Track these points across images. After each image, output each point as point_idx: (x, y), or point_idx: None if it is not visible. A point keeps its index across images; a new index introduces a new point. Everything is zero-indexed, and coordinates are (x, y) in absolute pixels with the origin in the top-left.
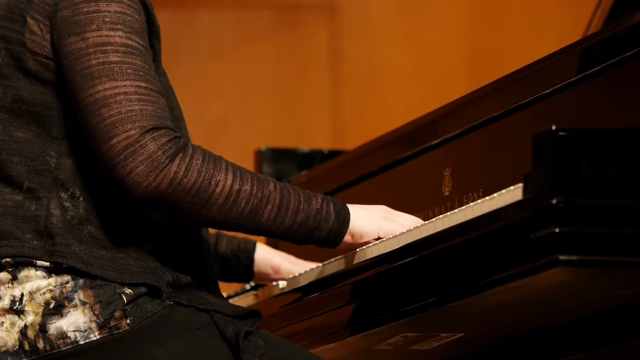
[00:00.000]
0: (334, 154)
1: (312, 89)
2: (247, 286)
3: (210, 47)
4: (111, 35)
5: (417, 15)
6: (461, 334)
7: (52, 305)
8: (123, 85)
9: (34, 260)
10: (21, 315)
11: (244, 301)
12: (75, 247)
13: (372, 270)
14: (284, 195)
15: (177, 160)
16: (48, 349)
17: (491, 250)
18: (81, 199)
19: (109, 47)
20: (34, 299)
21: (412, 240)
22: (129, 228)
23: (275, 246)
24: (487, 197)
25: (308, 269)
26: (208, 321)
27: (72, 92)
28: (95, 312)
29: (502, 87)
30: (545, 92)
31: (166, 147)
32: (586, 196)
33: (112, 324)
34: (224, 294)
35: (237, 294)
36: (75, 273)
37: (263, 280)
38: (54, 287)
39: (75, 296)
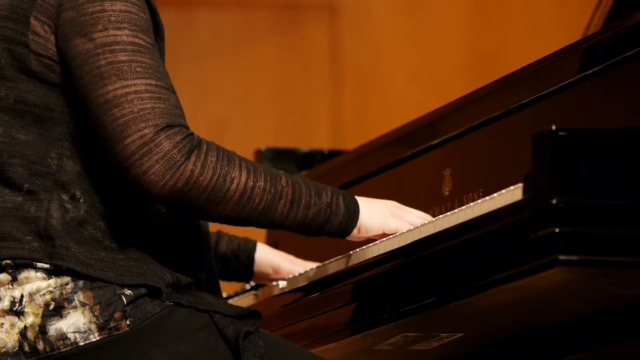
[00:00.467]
0: (334, 154)
1: (313, 89)
2: (247, 286)
3: (211, 47)
4: (118, 35)
5: (417, 15)
6: (461, 334)
7: (51, 307)
8: (134, 84)
9: (34, 262)
10: (21, 317)
11: (244, 301)
12: (75, 249)
13: (372, 270)
14: (295, 190)
15: (192, 158)
16: (48, 350)
17: (491, 250)
18: (82, 200)
19: (117, 47)
20: (34, 300)
21: (412, 240)
22: (129, 229)
23: (275, 246)
24: (487, 197)
25: (308, 269)
26: (208, 322)
27: (82, 93)
28: (95, 313)
29: (502, 87)
30: (545, 92)
31: (181, 145)
32: (586, 196)
33: (112, 325)
34: (224, 294)
35: (237, 294)
36: (75, 274)
37: (263, 280)
38: (54, 288)
39: (75, 297)
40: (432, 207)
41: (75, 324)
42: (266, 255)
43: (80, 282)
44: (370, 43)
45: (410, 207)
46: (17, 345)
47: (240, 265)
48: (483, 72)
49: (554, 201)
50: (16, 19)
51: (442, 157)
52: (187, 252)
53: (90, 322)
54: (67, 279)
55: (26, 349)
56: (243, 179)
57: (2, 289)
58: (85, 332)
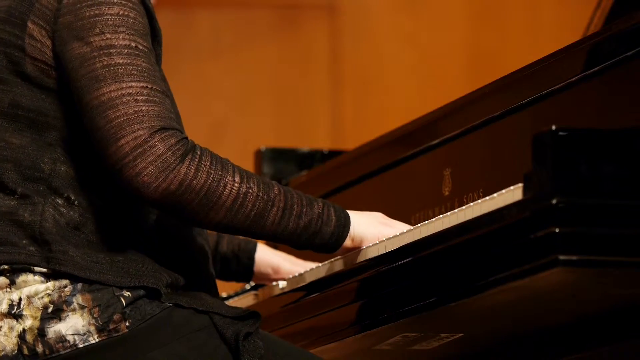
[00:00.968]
0: (334, 154)
1: (312, 89)
2: (247, 286)
3: (211, 47)
4: (114, 38)
5: (417, 15)
6: (461, 334)
7: (50, 309)
8: (129, 87)
9: (32, 267)
10: (19, 320)
11: (244, 301)
12: (72, 253)
13: (372, 270)
14: (287, 199)
15: (186, 161)
16: (47, 352)
17: (491, 250)
18: (76, 203)
19: (113, 50)
20: (32, 303)
21: (412, 240)
22: (126, 231)
23: (274, 247)
24: (487, 197)
25: (308, 269)
26: (207, 323)
27: (77, 96)
28: (94, 316)
29: (502, 87)
30: (545, 92)
31: (175, 148)
32: (586, 196)
33: (111, 326)
34: (224, 294)
35: (237, 294)
36: (73, 277)
37: (263, 280)
38: (52, 291)
39: (74, 300)
40: (432, 207)
41: (74, 326)
42: (266, 256)
43: (79, 285)
44: (370, 43)
45: (411, 207)
46: (16, 348)
47: (241, 265)
48: (483, 72)
49: (554, 201)
50: (13, 22)
51: (442, 157)
52: (185, 253)
53: (89, 324)
54: (65, 281)
55: (25, 352)
56: (236, 185)
57: (0, 292)
58: (84, 334)
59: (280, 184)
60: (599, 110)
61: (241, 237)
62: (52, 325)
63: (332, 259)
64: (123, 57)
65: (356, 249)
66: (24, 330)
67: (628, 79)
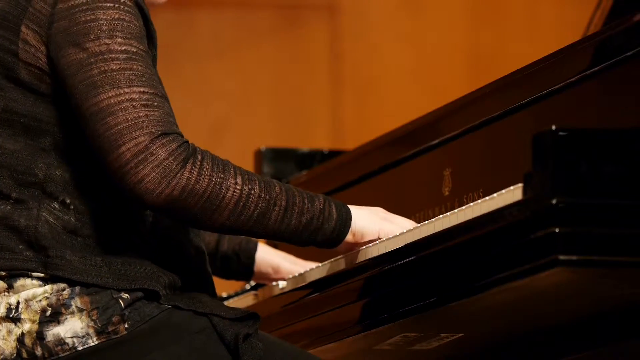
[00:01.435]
0: (334, 154)
1: (313, 89)
2: (247, 286)
3: (211, 47)
4: (110, 43)
5: (417, 16)
6: (461, 334)
7: (48, 313)
8: (127, 92)
9: (29, 272)
10: (17, 323)
11: (244, 301)
12: (69, 257)
13: (372, 270)
14: (289, 197)
15: (188, 166)
16: (46, 355)
17: (491, 250)
18: (72, 207)
19: (110, 55)
20: (30, 306)
21: (412, 240)
22: (123, 233)
23: (274, 246)
24: (487, 197)
25: (308, 269)
26: (207, 324)
27: (75, 103)
28: (93, 318)
29: (502, 87)
30: (545, 92)
31: (177, 153)
32: (586, 196)
33: (110, 329)
34: (224, 294)
35: (237, 294)
36: (71, 280)
37: (263, 280)
38: (50, 294)
39: (72, 303)
40: (432, 207)
41: (72, 329)
42: (267, 255)
43: (77, 288)
44: (370, 43)
45: (411, 207)
46: (15, 352)
47: (241, 264)
48: (483, 72)
49: (554, 201)
50: (7, 27)
51: (442, 157)
52: (182, 255)
53: (88, 326)
54: (63, 285)
55: (24, 355)
56: (238, 186)
57: None
58: (83, 336)
59: (281, 182)
60: (599, 110)
61: (242, 236)
62: (51, 328)
63: (332, 259)
64: (120, 62)
65: (357, 244)
66: (22, 333)
67: (628, 79)
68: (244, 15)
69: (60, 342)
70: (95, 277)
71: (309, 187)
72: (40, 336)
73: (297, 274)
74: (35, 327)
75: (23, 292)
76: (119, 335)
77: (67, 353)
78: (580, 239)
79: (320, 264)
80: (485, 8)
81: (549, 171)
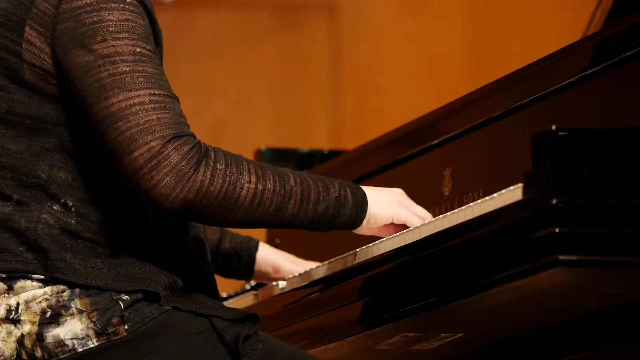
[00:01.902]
0: (334, 154)
1: (312, 89)
2: (247, 286)
3: (211, 47)
4: (118, 45)
5: (417, 16)
6: (461, 334)
7: (48, 314)
8: (137, 95)
9: (29, 274)
10: (17, 325)
11: (244, 301)
12: (69, 259)
13: (372, 270)
14: (304, 188)
15: (201, 169)
16: (46, 357)
17: (491, 250)
18: (74, 209)
19: (118, 57)
20: (30, 308)
21: (412, 241)
22: (124, 235)
23: (275, 245)
24: (487, 197)
25: (308, 269)
26: (207, 326)
27: (85, 106)
28: (93, 319)
29: (502, 87)
30: (545, 92)
31: (189, 156)
32: (586, 196)
33: (110, 330)
34: (224, 294)
35: (237, 294)
36: (71, 282)
37: (263, 279)
38: (50, 296)
39: (72, 304)
40: (432, 207)
41: (72, 330)
42: (267, 255)
43: (77, 290)
44: (370, 43)
45: None
46: (15, 353)
47: (242, 263)
48: (483, 72)
49: (554, 201)
50: (10, 27)
51: (442, 157)
52: (183, 256)
53: (87, 328)
54: (63, 286)
55: (24, 356)
56: (253, 184)
57: None
58: (83, 338)
59: (295, 171)
60: (599, 110)
61: (243, 235)
62: (51, 330)
63: (332, 259)
64: (128, 64)
65: (372, 229)
66: (22, 335)
67: (628, 79)
68: (244, 15)
69: (60, 343)
70: (95, 279)
71: None
72: (40, 338)
73: (297, 274)
74: (35, 328)
75: (23, 294)
76: (118, 337)
77: (67, 354)
78: (580, 239)
79: (320, 264)
80: (485, 8)
81: (549, 171)
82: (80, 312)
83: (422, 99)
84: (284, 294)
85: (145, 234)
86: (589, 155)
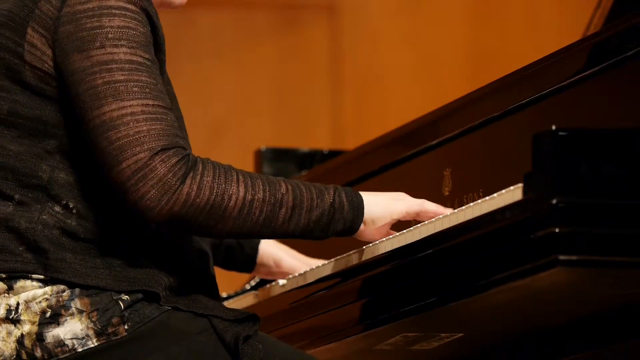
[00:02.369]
0: (334, 154)
1: (312, 89)
2: (247, 286)
3: (211, 47)
4: (115, 52)
5: (417, 16)
6: (461, 334)
7: (48, 314)
8: (129, 106)
9: (29, 274)
10: (17, 325)
11: (244, 301)
12: (69, 260)
13: (372, 270)
14: (296, 196)
15: (188, 181)
16: (46, 357)
17: (491, 250)
18: (74, 210)
19: (114, 65)
20: (30, 308)
21: (412, 241)
22: (124, 236)
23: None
24: (487, 197)
25: (309, 265)
26: (207, 326)
27: (79, 111)
28: (93, 319)
29: (502, 87)
30: (545, 92)
31: (176, 169)
32: (586, 196)
33: (109, 330)
34: (224, 294)
35: (237, 294)
36: (71, 282)
37: (262, 273)
38: (50, 295)
39: (72, 304)
40: None
41: (72, 330)
42: (270, 248)
43: (77, 289)
44: (370, 43)
45: None
46: (15, 353)
47: (244, 255)
48: (483, 72)
49: (554, 201)
50: (13, 28)
51: (442, 157)
52: (184, 256)
53: (87, 328)
54: (63, 286)
55: (24, 356)
56: (241, 194)
57: None
58: (83, 338)
59: (289, 179)
60: (599, 110)
61: None
62: (51, 329)
63: (332, 259)
64: (124, 73)
65: (373, 231)
66: (22, 335)
67: (628, 79)
68: (244, 15)
69: (60, 343)
70: (95, 279)
71: None
72: (39, 337)
73: (297, 274)
74: (34, 328)
75: (23, 294)
76: (118, 337)
77: (67, 354)
78: (580, 239)
79: (320, 263)
80: (485, 8)
81: (549, 171)
82: (80, 312)
83: (423, 99)
84: (284, 294)
85: (145, 235)
86: (589, 155)
